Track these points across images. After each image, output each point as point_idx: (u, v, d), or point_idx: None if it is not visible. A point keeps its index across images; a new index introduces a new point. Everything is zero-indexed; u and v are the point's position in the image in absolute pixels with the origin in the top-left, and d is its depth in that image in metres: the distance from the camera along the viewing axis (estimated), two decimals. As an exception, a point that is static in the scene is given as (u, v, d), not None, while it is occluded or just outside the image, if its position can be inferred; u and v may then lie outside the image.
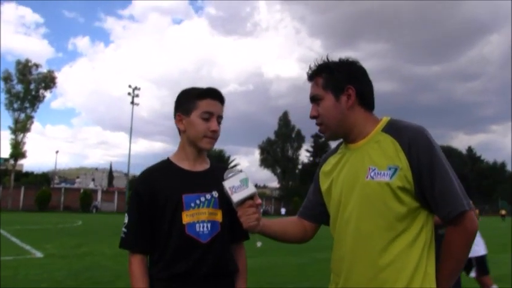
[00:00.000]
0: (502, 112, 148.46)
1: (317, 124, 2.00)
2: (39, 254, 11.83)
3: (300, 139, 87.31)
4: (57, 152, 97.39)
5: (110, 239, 16.56)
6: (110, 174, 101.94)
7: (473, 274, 5.99)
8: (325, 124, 1.96)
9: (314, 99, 1.98)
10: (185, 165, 2.17)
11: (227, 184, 1.89)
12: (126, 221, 2.12)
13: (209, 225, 2.08)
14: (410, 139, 1.78)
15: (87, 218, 35.92)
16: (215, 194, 2.11)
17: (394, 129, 1.85)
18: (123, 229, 2.12)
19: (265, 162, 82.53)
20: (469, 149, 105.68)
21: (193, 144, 2.15)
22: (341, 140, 2.05)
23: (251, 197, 1.90)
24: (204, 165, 2.22)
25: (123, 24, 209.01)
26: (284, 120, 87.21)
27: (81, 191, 54.40)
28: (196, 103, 2.12)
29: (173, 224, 2.05)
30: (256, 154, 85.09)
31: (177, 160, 2.20)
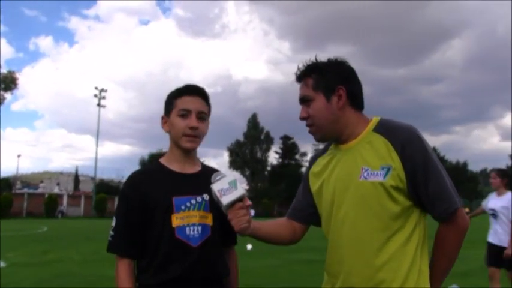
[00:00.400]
0: (465, 114, 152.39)
1: (307, 125, 1.98)
2: (1, 264, 11.26)
3: (268, 141, 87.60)
4: (19, 156, 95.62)
5: (78, 244, 16.20)
6: (76, 178, 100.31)
7: None
8: (317, 125, 1.95)
9: (304, 100, 1.96)
10: (175, 167, 2.13)
11: (216, 187, 1.86)
12: (113, 224, 2.07)
13: (200, 228, 2.04)
14: (403, 140, 1.81)
15: (52, 223, 34.98)
16: (206, 197, 2.07)
17: (386, 129, 1.87)
18: (111, 232, 2.06)
19: (234, 164, 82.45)
20: (434, 150, 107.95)
21: (177, 145, 2.12)
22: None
23: (240, 199, 1.86)
24: (195, 168, 2.17)
25: (88, 25, 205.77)
26: (253, 122, 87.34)
27: (46, 195, 53.10)
28: (174, 102, 2.10)
29: (163, 227, 2.00)
30: (225, 156, 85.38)
31: (167, 162, 2.15)
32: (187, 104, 2.08)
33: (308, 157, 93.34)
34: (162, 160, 2.18)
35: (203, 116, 2.11)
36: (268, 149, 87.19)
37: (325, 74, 1.92)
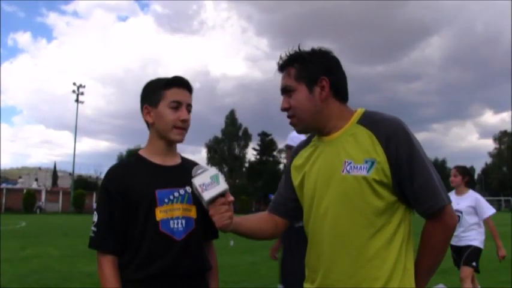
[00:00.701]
0: (443, 112, 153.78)
1: (288, 116, 1.91)
2: (-21, 259, 11.22)
3: (246, 137, 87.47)
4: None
5: (56, 240, 16.04)
6: (54, 174, 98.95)
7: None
8: (298, 117, 1.88)
9: (285, 90, 1.89)
10: (156, 159, 2.08)
11: (197, 181, 1.77)
12: (95, 219, 2.01)
13: (183, 221, 2.01)
14: (388, 132, 1.73)
15: (30, 219, 34.51)
16: (188, 189, 2.03)
17: (370, 121, 1.80)
18: (92, 228, 2.00)
19: (212, 160, 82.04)
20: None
21: (163, 137, 2.07)
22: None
23: (222, 194, 1.78)
24: (175, 160, 2.14)
25: (66, 20, 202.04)
26: (231, 118, 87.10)
27: (24, 191, 52.48)
28: (163, 93, 2.04)
29: (146, 221, 1.96)
30: (203, 153, 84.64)
31: (147, 154, 2.10)
32: (178, 96, 2.04)
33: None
34: (142, 153, 2.13)
35: (190, 109, 2.08)
36: (246, 146, 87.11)
37: (308, 64, 1.85)
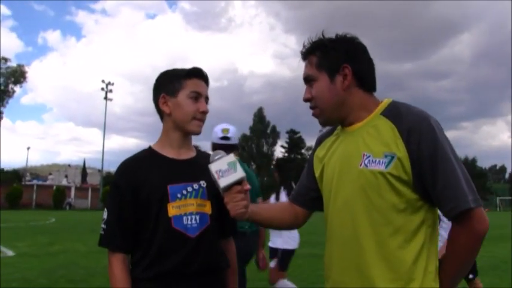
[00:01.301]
0: (472, 110, 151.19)
1: (311, 108, 1.83)
2: (10, 253, 11.50)
3: (275, 135, 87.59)
4: (28, 148, 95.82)
5: (84, 236, 16.23)
6: (84, 170, 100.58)
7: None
8: (320, 108, 1.79)
9: (307, 80, 1.81)
10: (169, 153, 2.01)
11: (213, 167, 1.72)
12: (105, 216, 1.95)
13: (198, 217, 1.92)
14: (411, 126, 1.61)
15: (60, 215, 35.23)
16: (203, 183, 1.96)
17: (395, 113, 1.68)
18: (102, 225, 1.94)
19: (240, 158, 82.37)
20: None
21: (180, 128, 2.00)
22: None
23: (239, 182, 1.72)
24: (190, 153, 2.06)
25: (95, 19, 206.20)
26: (259, 116, 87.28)
27: (54, 187, 53.41)
28: (183, 82, 1.97)
29: (158, 217, 1.89)
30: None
31: (160, 148, 2.03)
32: (198, 86, 1.99)
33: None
34: (154, 146, 2.06)
35: (207, 102, 2.04)
36: (274, 143, 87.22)
37: (329, 51, 1.76)
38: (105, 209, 1.97)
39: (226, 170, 1.71)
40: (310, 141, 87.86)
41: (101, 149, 62.16)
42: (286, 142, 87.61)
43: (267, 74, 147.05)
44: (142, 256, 1.91)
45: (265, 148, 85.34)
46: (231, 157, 1.75)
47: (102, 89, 58.83)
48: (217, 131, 4.25)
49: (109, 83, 59.34)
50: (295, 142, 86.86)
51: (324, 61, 1.77)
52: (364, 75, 1.78)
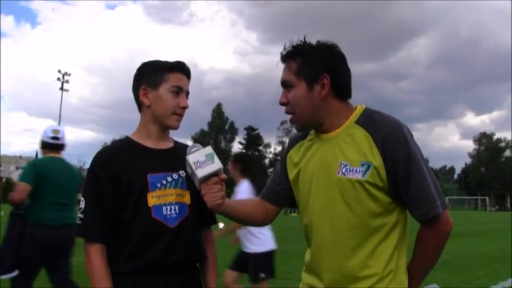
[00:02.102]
0: (426, 111, 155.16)
1: (286, 112, 1.87)
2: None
3: (233, 131, 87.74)
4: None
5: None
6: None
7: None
8: (296, 114, 1.84)
9: (285, 85, 1.85)
10: (148, 143, 1.99)
11: (191, 158, 1.76)
12: (82, 205, 1.90)
13: (177, 207, 1.92)
14: (385, 135, 1.70)
15: (9, 208, 34.08)
16: (182, 173, 1.95)
17: (369, 122, 1.76)
18: (79, 215, 1.89)
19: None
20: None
21: (159, 122, 1.99)
22: None
23: (216, 174, 1.77)
24: (168, 144, 2.06)
25: (52, 6, 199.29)
26: (218, 112, 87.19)
27: (3, 180, 51.88)
28: (165, 76, 1.95)
29: (137, 207, 1.87)
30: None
31: (138, 138, 2.01)
32: (180, 81, 1.97)
33: (272, 149, 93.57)
34: (132, 136, 2.03)
35: (187, 97, 2.02)
36: (232, 140, 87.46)
37: (310, 59, 1.79)
38: (82, 199, 1.93)
39: (204, 161, 1.75)
40: (267, 138, 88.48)
41: (54, 141, 60.30)
42: (244, 138, 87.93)
43: (227, 70, 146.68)
44: (121, 248, 1.87)
45: (223, 144, 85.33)
46: (209, 149, 1.79)
47: (58, 79, 57.40)
48: (48, 131, 4.61)
49: (66, 73, 57.91)
50: (253, 139, 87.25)
51: (303, 69, 1.80)
52: (342, 86, 1.83)
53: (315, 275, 1.87)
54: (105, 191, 1.88)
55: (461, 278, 8.13)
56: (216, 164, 1.76)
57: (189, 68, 2.03)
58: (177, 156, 1.95)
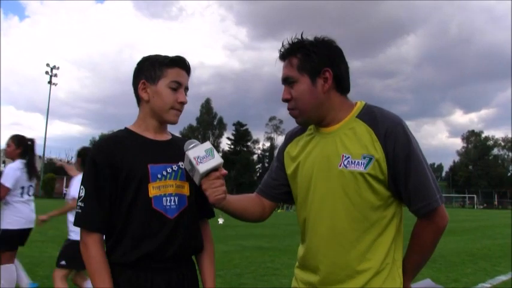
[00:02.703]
0: (415, 109, 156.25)
1: (289, 108, 1.88)
2: None
3: (221, 127, 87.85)
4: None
5: (24, 224, 15.72)
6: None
7: None
8: (299, 108, 1.85)
9: (287, 81, 1.85)
10: (147, 135, 1.99)
11: (191, 154, 1.76)
12: (82, 194, 1.87)
13: (176, 199, 1.92)
14: (388, 130, 1.73)
15: (-4, 202, 33.88)
16: (181, 165, 1.94)
17: (370, 117, 1.79)
18: (79, 203, 1.87)
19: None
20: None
21: (157, 116, 1.99)
22: None
23: (216, 169, 1.78)
24: (166, 136, 2.06)
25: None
26: (206, 107, 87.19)
27: (-9, 173, 51.44)
28: (164, 71, 1.95)
29: (137, 197, 1.85)
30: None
31: (137, 130, 2.01)
32: (179, 76, 1.97)
33: (260, 145, 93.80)
34: (131, 128, 2.03)
35: (186, 92, 2.02)
36: (220, 135, 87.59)
37: (311, 54, 1.81)
38: (81, 187, 1.90)
39: (204, 156, 1.76)
40: (256, 134, 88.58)
41: (42, 135, 60.25)
42: (233, 134, 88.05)
43: (216, 65, 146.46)
44: (120, 238, 1.86)
45: (211, 139, 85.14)
46: (208, 144, 1.80)
47: (47, 72, 56.96)
48: None
49: (54, 67, 57.46)
50: (241, 134, 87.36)
51: (305, 64, 1.82)
52: (342, 79, 1.85)
53: (310, 269, 1.87)
54: (104, 180, 1.86)
55: (449, 275, 8.16)
56: (217, 159, 1.77)
57: (189, 64, 2.02)
58: (175, 148, 1.96)
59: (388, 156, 1.72)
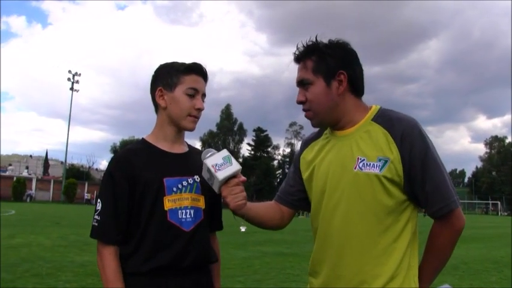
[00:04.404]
0: (436, 114, 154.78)
1: (304, 110, 1.89)
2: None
3: (241, 132, 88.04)
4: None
5: (46, 229, 15.85)
6: (46, 162, 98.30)
7: None
8: (314, 111, 1.86)
9: (302, 83, 1.86)
10: (164, 146, 2.00)
11: (209, 162, 1.77)
12: (99, 207, 1.91)
13: (192, 212, 1.93)
14: (404, 132, 1.73)
15: (20, 207, 34.27)
16: (197, 178, 1.96)
17: (386, 119, 1.79)
18: (96, 216, 1.90)
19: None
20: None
21: (175, 123, 1.99)
22: None
23: (235, 175, 1.78)
24: (183, 148, 2.06)
25: (62, 6, 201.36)
26: (226, 113, 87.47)
27: (14, 179, 52.14)
28: (181, 78, 1.96)
29: (153, 210, 1.88)
30: (198, 146, 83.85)
31: (154, 141, 2.02)
32: (196, 83, 1.97)
33: (280, 150, 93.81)
34: (148, 138, 2.04)
35: (204, 99, 2.02)
36: (241, 141, 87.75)
37: (326, 56, 1.81)
38: (99, 200, 1.93)
39: (222, 163, 1.77)
40: (276, 140, 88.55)
41: (64, 141, 61.16)
42: (253, 140, 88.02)
43: (236, 71, 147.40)
44: (135, 249, 1.88)
45: (231, 145, 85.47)
46: (225, 152, 1.81)
47: (69, 79, 57.78)
48: None
49: (76, 74, 58.28)
50: (261, 140, 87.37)
51: (320, 66, 1.82)
52: (357, 82, 1.86)
53: (323, 274, 1.85)
54: (121, 193, 1.89)
55: (473, 283, 8.02)
56: (235, 165, 1.78)
57: (205, 70, 2.02)
58: (192, 160, 1.97)
59: (404, 158, 1.71)
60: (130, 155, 1.98)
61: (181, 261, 1.89)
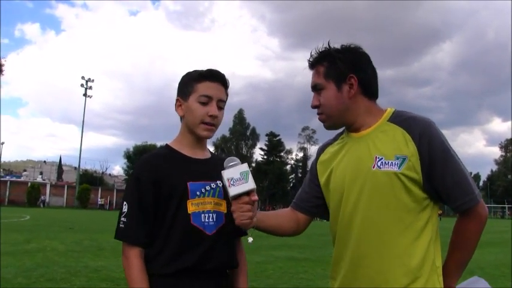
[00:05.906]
0: (450, 117, 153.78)
1: (318, 114, 1.95)
2: (-16, 250, 11.16)
3: (254, 137, 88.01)
4: (2, 143, 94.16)
5: (61, 234, 16.03)
6: (60, 167, 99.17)
7: None
8: (326, 114, 1.91)
9: (315, 88, 1.93)
10: (187, 152, 2.03)
11: (226, 174, 1.79)
12: (125, 209, 1.93)
13: (214, 216, 1.96)
14: (421, 130, 1.76)
15: (35, 212, 34.66)
16: (220, 183, 1.97)
17: (402, 119, 1.82)
18: (122, 218, 1.92)
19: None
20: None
21: (191, 132, 2.02)
22: (340, 129, 2.02)
23: (248, 193, 1.79)
24: (205, 154, 2.09)
25: (75, 13, 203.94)
26: (239, 117, 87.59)
27: (28, 184, 52.67)
28: (194, 86, 1.98)
29: (177, 213, 1.91)
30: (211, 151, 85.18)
31: (177, 147, 2.05)
32: (209, 90, 1.97)
33: (293, 155, 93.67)
34: (172, 144, 2.08)
35: (222, 105, 2.02)
36: (253, 145, 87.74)
37: (336, 61, 1.87)
38: (125, 203, 1.95)
39: (238, 179, 1.78)
40: (289, 144, 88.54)
41: (77, 146, 61.77)
42: (266, 145, 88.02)
43: (248, 76, 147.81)
44: (160, 251, 1.90)
45: (244, 150, 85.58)
46: (245, 166, 1.81)
47: (82, 85, 58.30)
48: None
49: (89, 80, 58.79)
50: (274, 145, 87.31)
51: (331, 71, 1.88)
52: (369, 84, 1.90)
53: (343, 274, 1.86)
54: (147, 196, 1.92)
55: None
56: (249, 184, 1.78)
57: (222, 75, 2.03)
58: (215, 166, 1.98)
59: (422, 155, 1.73)
60: (155, 159, 2.01)
61: (204, 264, 1.90)
